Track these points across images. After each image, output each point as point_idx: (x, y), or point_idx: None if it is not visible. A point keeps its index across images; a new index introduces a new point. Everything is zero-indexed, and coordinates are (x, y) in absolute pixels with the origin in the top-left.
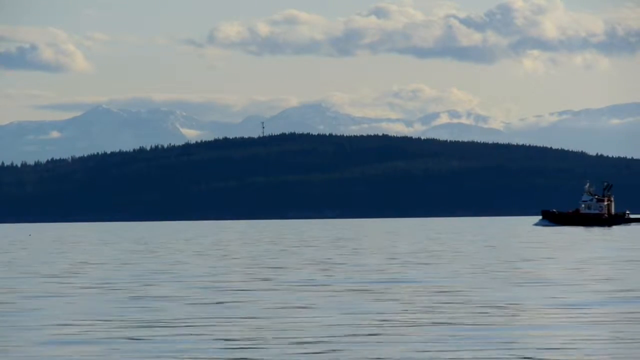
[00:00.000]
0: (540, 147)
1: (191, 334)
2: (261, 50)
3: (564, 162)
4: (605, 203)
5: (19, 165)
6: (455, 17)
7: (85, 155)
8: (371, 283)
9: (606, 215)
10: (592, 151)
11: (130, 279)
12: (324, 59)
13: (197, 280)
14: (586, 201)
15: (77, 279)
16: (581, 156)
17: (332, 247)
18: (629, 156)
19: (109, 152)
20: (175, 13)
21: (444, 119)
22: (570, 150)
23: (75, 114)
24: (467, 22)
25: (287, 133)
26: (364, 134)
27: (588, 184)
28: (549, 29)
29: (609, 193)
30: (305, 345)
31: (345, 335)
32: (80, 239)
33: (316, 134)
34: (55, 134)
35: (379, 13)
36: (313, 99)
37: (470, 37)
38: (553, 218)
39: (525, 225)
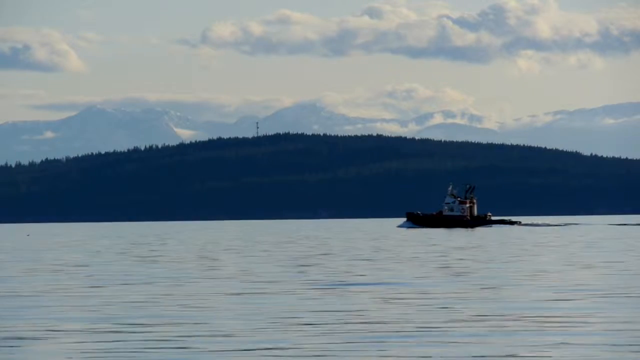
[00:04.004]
0: (534, 147)
1: None
2: (255, 50)
3: (558, 162)
4: (468, 205)
5: (13, 165)
6: (448, 17)
7: (80, 156)
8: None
9: (468, 217)
10: (586, 151)
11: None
12: (317, 59)
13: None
14: (449, 203)
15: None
16: (576, 156)
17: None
18: (623, 156)
19: (103, 152)
20: (169, 13)
21: (438, 119)
22: (565, 150)
23: (69, 114)
24: (460, 22)
25: (281, 133)
26: (358, 134)
27: (451, 186)
28: (543, 29)
29: (471, 195)
30: None
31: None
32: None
33: (310, 134)
34: (49, 134)
35: (372, 13)
36: (307, 99)
37: (463, 37)
38: (416, 220)
39: (391, 227)
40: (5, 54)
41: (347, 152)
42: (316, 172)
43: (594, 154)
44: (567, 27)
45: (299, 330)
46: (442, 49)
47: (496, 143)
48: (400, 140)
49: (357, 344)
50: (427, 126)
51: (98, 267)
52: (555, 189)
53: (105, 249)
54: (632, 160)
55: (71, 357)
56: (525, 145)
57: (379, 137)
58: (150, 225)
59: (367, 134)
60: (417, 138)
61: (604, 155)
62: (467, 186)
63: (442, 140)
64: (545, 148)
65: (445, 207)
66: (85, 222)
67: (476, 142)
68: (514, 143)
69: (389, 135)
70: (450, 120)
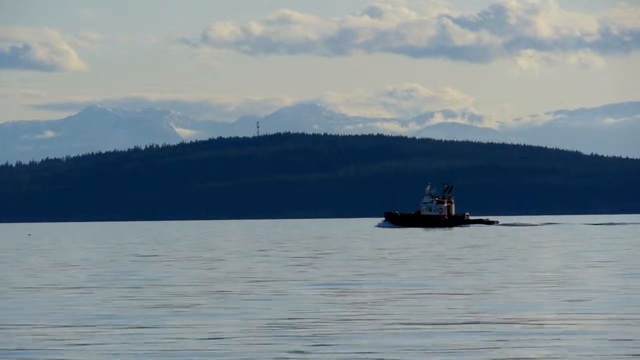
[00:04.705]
0: (535, 146)
1: None
2: (255, 50)
3: (558, 161)
4: (445, 205)
5: (13, 165)
6: (448, 16)
7: (80, 155)
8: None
9: (446, 217)
10: (586, 151)
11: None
12: (318, 58)
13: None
14: (427, 203)
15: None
16: (576, 156)
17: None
18: (624, 156)
19: (103, 151)
20: (169, 13)
21: (438, 118)
22: (565, 149)
23: (69, 113)
24: (460, 22)
25: (281, 133)
26: (359, 134)
27: (429, 186)
28: (543, 28)
29: (449, 195)
30: None
31: None
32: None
33: (311, 133)
34: (49, 134)
35: (373, 12)
36: (307, 99)
37: (464, 37)
38: (395, 219)
39: (369, 227)
40: (6, 53)
41: (347, 152)
42: (316, 172)
43: (594, 153)
44: (568, 27)
45: (299, 331)
46: (442, 48)
47: (496, 143)
48: (400, 140)
49: (357, 345)
50: (428, 126)
51: (96, 266)
52: (556, 189)
53: (106, 249)
54: (632, 160)
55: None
56: (526, 144)
57: (380, 136)
58: (150, 225)
59: (367, 134)
60: (417, 138)
61: (605, 155)
62: (445, 186)
63: (443, 140)
64: (546, 148)
65: (423, 207)
66: (85, 222)
67: (476, 141)
68: (515, 143)
69: (390, 134)
70: (450, 120)
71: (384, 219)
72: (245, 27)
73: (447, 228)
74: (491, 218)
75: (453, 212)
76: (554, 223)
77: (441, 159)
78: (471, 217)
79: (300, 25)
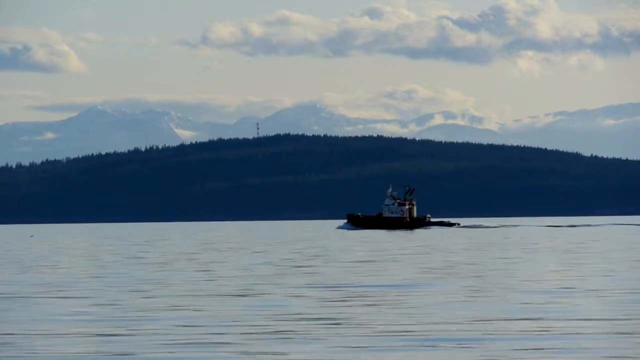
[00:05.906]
0: (535, 148)
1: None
2: (255, 51)
3: (558, 163)
4: (407, 207)
5: (13, 166)
6: (448, 18)
7: (80, 156)
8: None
9: (407, 219)
10: (587, 152)
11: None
12: (318, 59)
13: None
14: (388, 205)
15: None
16: (576, 157)
17: None
18: (624, 157)
19: (103, 153)
20: (169, 13)
21: (438, 119)
22: (565, 151)
23: (69, 114)
24: (460, 23)
25: (281, 134)
26: (359, 135)
27: (390, 188)
28: (543, 29)
29: (410, 197)
30: None
31: None
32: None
33: (311, 134)
34: (49, 135)
35: (372, 13)
36: (307, 100)
37: (463, 38)
38: (356, 221)
39: (330, 228)
40: (6, 54)
41: (347, 153)
42: (316, 173)
43: (594, 154)
44: (568, 28)
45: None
46: (442, 49)
47: (497, 144)
48: (400, 141)
49: (355, 349)
50: (428, 127)
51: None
52: (556, 190)
53: (103, 251)
54: (632, 161)
55: None
56: (526, 146)
57: (379, 138)
58: (149, 226)
59: (367, 135)
60: (417, 139)
61: (605, 156)
62: (407, 188)
63: (443, 141)
64: (546, 149)
65: (385, 209)
66: (85, 223)
67: (477, 143)
68: (515, 144)
69: (390, 136)
70: (450, 121)
71: (345, 220)
72: (245, 28)
73: (408, 230)
74: (452, 220)
75: (414, 214)
76: (515, 225)
77: (441, 161)
78: (432, 219)
79: (300, 26)
